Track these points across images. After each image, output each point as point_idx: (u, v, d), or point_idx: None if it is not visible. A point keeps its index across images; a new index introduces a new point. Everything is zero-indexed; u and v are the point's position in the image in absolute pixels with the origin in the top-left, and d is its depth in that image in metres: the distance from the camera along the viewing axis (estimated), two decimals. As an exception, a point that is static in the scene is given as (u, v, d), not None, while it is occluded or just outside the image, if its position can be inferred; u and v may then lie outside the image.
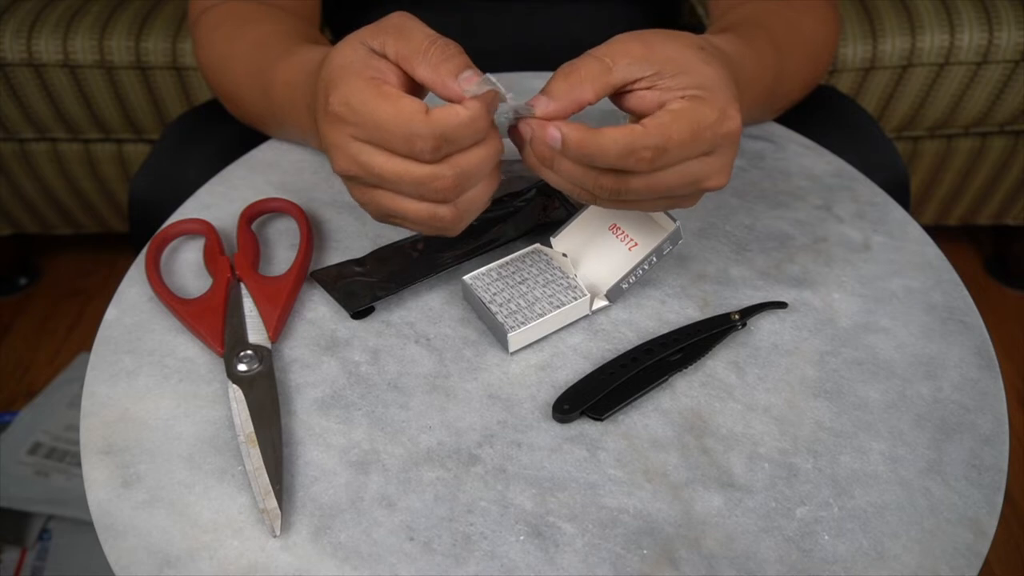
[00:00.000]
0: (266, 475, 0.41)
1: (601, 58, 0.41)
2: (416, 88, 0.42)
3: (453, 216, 0.42)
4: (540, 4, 0.79)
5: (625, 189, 0.41)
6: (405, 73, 0.41)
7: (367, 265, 0.52)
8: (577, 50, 0.58)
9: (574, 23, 0.80)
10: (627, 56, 0.41)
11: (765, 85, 0.54)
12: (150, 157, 0.68)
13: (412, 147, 0.39)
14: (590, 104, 0.42)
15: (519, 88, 0.68)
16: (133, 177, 0.68)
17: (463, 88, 0.40)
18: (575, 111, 0.41)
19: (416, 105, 0.39)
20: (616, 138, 0.39)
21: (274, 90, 0.53)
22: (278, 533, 0.40)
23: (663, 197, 0.43)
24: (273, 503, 0.40)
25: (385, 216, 0.43)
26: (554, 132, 0.39)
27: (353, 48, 0.41)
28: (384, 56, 0.41)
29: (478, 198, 0.42)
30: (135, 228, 0.67)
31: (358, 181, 0.42)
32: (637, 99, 0.42)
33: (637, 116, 0.42)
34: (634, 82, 0.42)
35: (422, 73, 0.40)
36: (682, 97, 0.41)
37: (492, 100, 0.40)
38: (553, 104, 0.41)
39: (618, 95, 0.43)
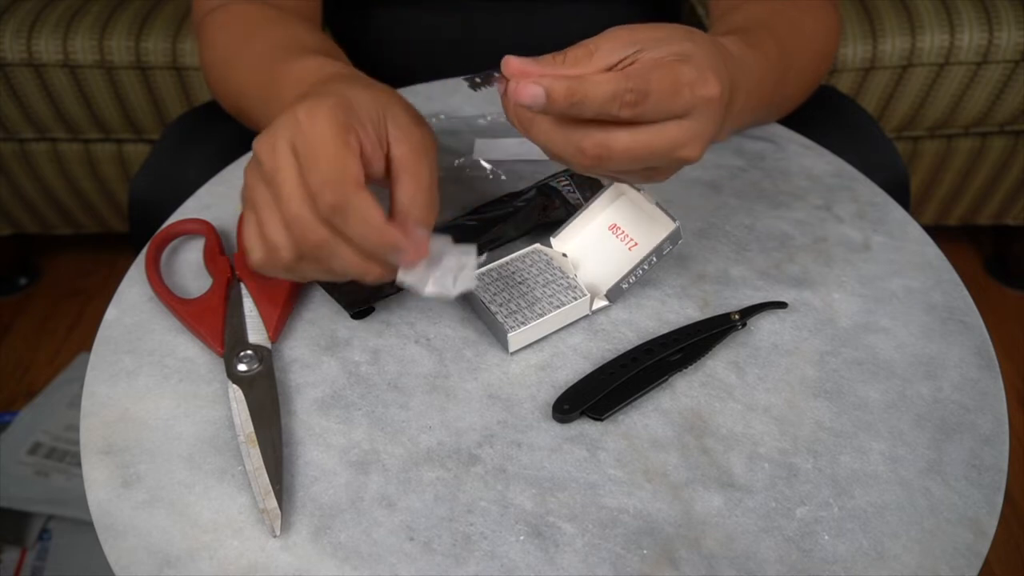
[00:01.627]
0: (266, 475, 0.41)
1: (586, 44, 0.41)
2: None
3: (288, 256, 0.41)
4: (540, 4, 0.79)
5: (608, 154, 0.40)
6: (386, 162, 0.42)
7: (367, 265, 0.52)
8: None
9: (574, 23, 0.80)
10: (612, 41, 0.41)
11: (770, 87, 0.54)
12: (150, 157, 0.68)
13: (321, 194, 0.39)
14: None
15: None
16: (133, 177, 0.68)
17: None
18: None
19: (352, 154, 0.40)
20: (601, 80, 0.38)
21: (276, 100, 0.53)
22: (278, 533, 0.40)
23: (642, 166, 0.42)
24: (273, 503, 0.40)
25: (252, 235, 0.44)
26: (534, 89, 0.37)
27: (371, 98, 0.43)
28: (388, 144, 0.42)
29: (313, 270, 0.42)
30: (135, 228, 0.67)
31: (247, 192, 0.42)
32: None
33: None
34: (617, 63, 0.41)
35: (402, 188, 0.42)
36: (663, 59, 0.40)
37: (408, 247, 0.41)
38: (535, 66, 0.40)
39: None
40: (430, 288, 0.43)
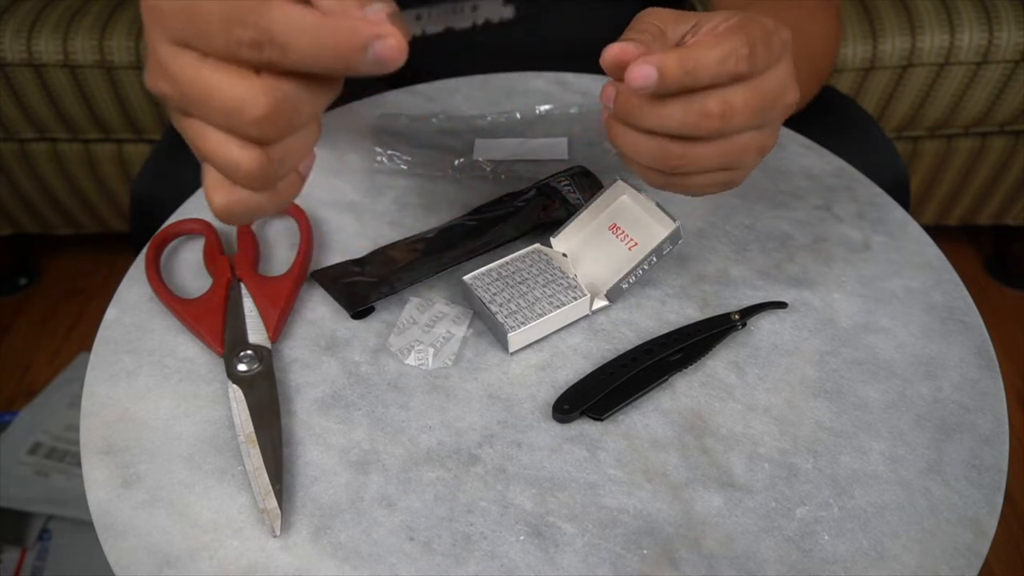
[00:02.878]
0: (266, 475, 0.41)
1: (653, 23, 0.40)
2: None
3: (259, 166, 0.31)
4: (540, 6, 0.79)
5: (730, 110, 0.39)
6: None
7: (367, 265, 0.52)
8: (579, 50, 0.57)
9: (573, 22, 0.80)
10: (666, 19, 0.41)
11: None
12: (151, 157, 0.68)
13: (229, 36, 0.29)
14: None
15: (519, 88, 0.68)
16: (135, 178, 0.68)
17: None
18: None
19: None
20: (710, 43, 0.37)
21: None
22: (278, 533, 0.40)
23: (757, 122, 0.40)
24: (273, 503, 0.40)
25: (199, 156, 0.33)
26: (645, 69, 0.36)
27: None
28: None
29: (295, 148, 0.32)
30: (136, 228, 0.67)
31: (172, 103, 0.32)
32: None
33: None
34: (681, 39, 0.40)
35: None
36: (740, 20, 0.39)
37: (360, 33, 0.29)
38: (633, 45, 0.38)
39: None
40: (410, 360, 0.47)
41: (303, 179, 0.34)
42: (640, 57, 0.37)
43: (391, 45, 0.29)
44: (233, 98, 0.29)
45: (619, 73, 0.38)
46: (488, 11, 0.34)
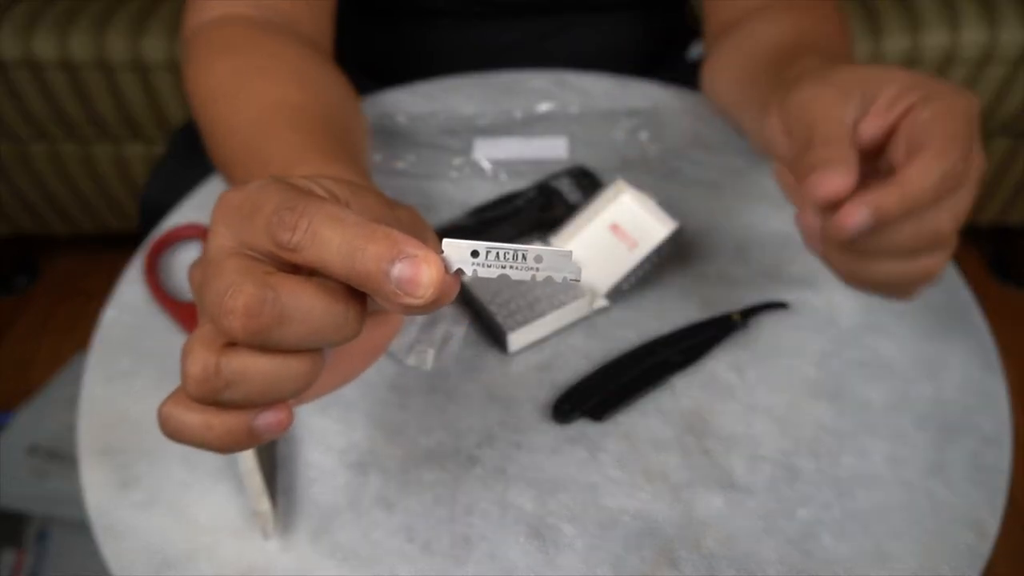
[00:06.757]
0: (258, 477, 0.41)
1: (835, 122, 0.37)
2: None
3: (203, 370, 0.29)
4: (545, 19, 0.78)
5: (963, 215, 0.36)
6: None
7: (366, 265, 0.52)
8: (587, 61, 0.55)
9: (581, 35, 0.80)
10: (834, 106, 0.37)
11: None
12: (159, 165, 0.68)
13: (270, 220, 0.26)
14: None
15: (519, 88, 0.68)
16: (144, 186, 0.68)
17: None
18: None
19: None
20: (923, 171, 0.34)
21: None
22: (269, 536, 0.39)
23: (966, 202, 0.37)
24: (265, 505, 0.40)
25: None
26: (863, 214, 0.33)
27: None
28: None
29: (255, 377, 0.28)
30: (147, 233, 0.66)
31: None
32: (874, 128, 0.36)
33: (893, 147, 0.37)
34: (853, 124, 0.37)
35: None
36: (915, 99, 0.36)
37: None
38: (843, 172, 0.34)
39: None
40: (410, 360, 0.47)
41: (251, 434, 0.28)
42: (856, 195, 0.34)
43: (423, 271, 0.24)
44: (225, 282, 0.26)
45: (829, 206, 0.35)
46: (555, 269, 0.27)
